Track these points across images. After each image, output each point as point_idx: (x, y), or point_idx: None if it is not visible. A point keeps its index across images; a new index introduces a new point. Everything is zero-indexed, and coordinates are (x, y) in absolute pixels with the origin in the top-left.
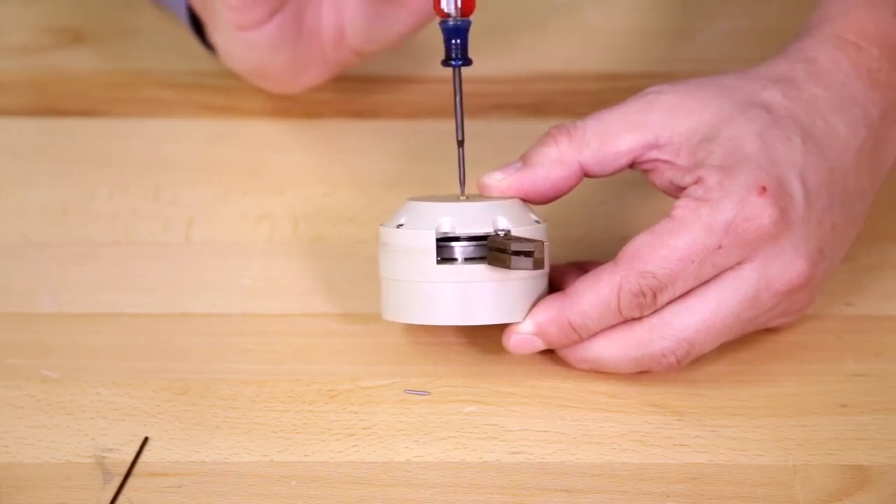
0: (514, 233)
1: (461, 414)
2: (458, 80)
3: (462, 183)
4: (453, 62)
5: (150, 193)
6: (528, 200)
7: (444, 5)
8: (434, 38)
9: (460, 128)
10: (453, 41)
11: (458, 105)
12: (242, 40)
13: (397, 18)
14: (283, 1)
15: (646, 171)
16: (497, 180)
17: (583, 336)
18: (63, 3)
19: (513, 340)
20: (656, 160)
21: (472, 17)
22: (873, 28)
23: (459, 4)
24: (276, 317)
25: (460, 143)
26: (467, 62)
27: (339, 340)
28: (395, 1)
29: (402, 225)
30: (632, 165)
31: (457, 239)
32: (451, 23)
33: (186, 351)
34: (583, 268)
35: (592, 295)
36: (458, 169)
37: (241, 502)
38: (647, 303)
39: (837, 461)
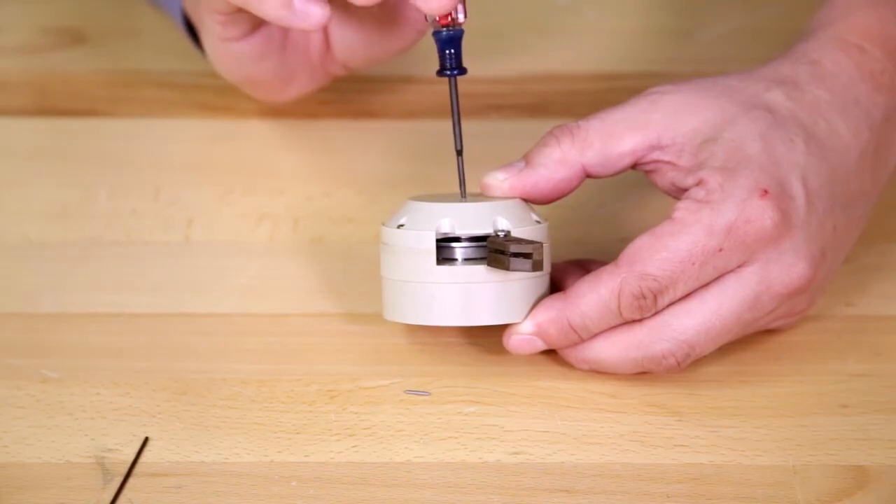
0: (514, 233)
1: (461, 414)
2: (454, 90)
3: (463, 192)
4: (448, 72)
5: (150, 193)
6: (530, 201)
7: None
8: (432, 39)
9: (458, 137)
10: (448, 51)
11: (455, 114)
12: (229, 51)
13: (386, 40)
14: None
15: (648, 172)
16: (499, 180)
17: (583, 337)
18: (63, 3)
19: (513, 341)
20: (658, 161)
21: (468, 22)
22: (877, 30)
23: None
24: (276, 317)
25: (459, 153)
26: (462, 71)
27: (340, 340)
28: (384, 23)
29: (402, 225)
30: (634, 166)
31: (457, 239)
32: (444, 33)
33: (186, 351)
34: (584, 267)
35: (593, 296)
36: (457, 176)
37: (241, 502)
38: (648, 305)
39: (837, 461)
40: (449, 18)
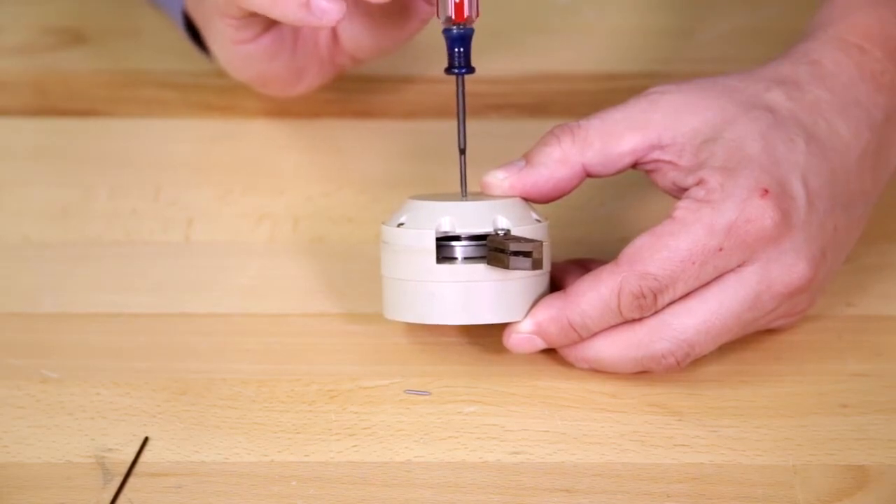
0: (514, 232)
1: (461, 414)
2: (461, 89)
3: (463, 191)
4: (457, 70)
5: (150, 193)
6: (530, 200)
7: (465, 10)
8: (434, 38)
9: (462, 135)
10: (457, 49)
11: (460, 113)
12: (240, 52)
13: (393, 30)
14: None
15: (648, 172)
16: (499, 179)
17: (583, 336)
18: (63, 3)
19: (513, 339)
20: (659, 161)
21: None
22: (877, 30)
23: (475, 6)
24: (276, 317)
25: (462, 151)
26: (470, 70)
27: (340, 340)
28: (392, 14)
29: (402, 224)
30: (634, 166)
31: (457, 238)
32: (454, 31)
33: (186, 351)
34: (584, 266)
35: (593, 295)
36: (458, 174)
37: (241, 502)
38: (648, 304)
39: (837, 461)
40: (463, 16)
